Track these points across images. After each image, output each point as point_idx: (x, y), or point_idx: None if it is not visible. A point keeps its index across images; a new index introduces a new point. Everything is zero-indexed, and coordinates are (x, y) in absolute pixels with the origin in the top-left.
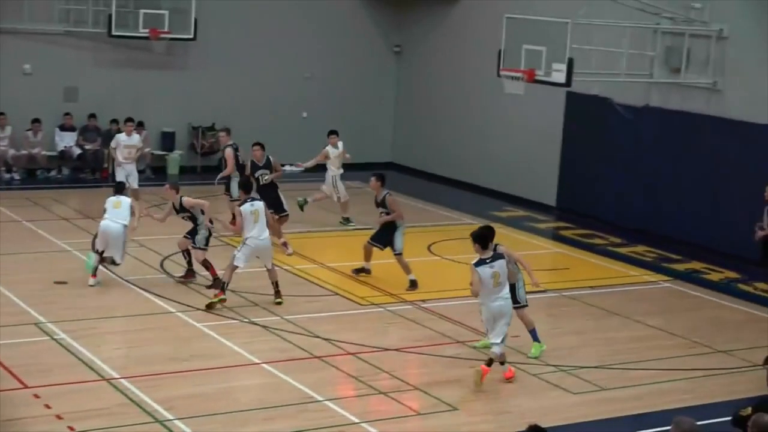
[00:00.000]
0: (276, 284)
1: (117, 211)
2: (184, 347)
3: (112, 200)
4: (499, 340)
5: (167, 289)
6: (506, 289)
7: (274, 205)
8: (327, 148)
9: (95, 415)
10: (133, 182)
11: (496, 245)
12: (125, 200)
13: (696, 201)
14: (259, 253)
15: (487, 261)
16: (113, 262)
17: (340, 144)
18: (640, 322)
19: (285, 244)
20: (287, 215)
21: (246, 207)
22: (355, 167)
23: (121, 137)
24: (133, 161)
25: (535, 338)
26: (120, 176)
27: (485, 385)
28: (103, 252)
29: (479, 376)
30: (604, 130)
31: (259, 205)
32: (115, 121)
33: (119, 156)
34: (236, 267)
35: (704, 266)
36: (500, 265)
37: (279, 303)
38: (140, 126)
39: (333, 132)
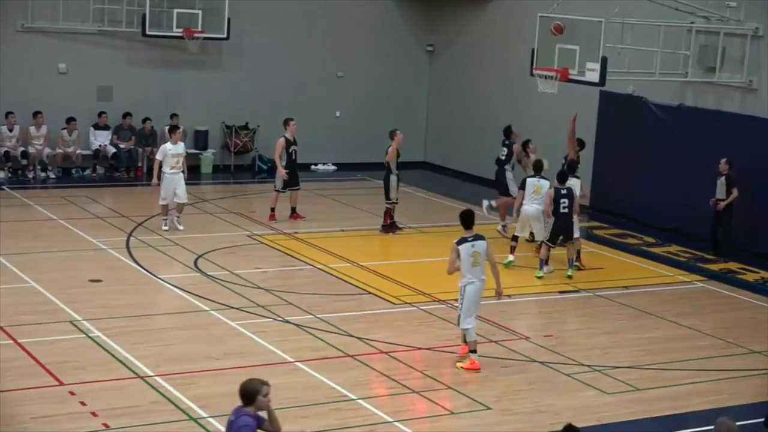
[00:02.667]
0: (571, 260)
1: (535, 196)
2: (218, 345)
3: (533, 182)
4: (475, 325)
5: (201, 287)
6: (484, 272)
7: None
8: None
9: (130, 412)
10: (182, 196)
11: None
12: (545, 184)
13: None
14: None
15: (469, 239)
16: (533, 240)
17: (545, 183)
18: (674, 322)
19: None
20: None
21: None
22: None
23: (168, 146)
24: (180, 171)
25: None
26: (167, 188)
27: (518, 384)
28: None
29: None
30: (638, 130)
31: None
32: (148, 119)
33: (166, 167)
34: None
35: (739, 266)
36: (481, 245)
37: (569, 276)
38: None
39: (536, 162)
